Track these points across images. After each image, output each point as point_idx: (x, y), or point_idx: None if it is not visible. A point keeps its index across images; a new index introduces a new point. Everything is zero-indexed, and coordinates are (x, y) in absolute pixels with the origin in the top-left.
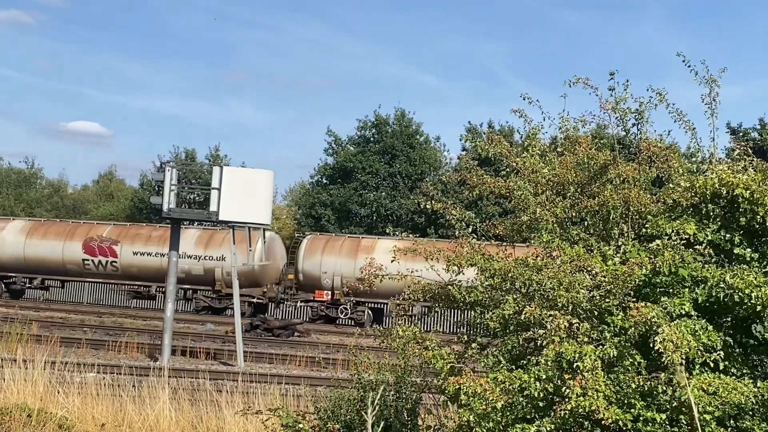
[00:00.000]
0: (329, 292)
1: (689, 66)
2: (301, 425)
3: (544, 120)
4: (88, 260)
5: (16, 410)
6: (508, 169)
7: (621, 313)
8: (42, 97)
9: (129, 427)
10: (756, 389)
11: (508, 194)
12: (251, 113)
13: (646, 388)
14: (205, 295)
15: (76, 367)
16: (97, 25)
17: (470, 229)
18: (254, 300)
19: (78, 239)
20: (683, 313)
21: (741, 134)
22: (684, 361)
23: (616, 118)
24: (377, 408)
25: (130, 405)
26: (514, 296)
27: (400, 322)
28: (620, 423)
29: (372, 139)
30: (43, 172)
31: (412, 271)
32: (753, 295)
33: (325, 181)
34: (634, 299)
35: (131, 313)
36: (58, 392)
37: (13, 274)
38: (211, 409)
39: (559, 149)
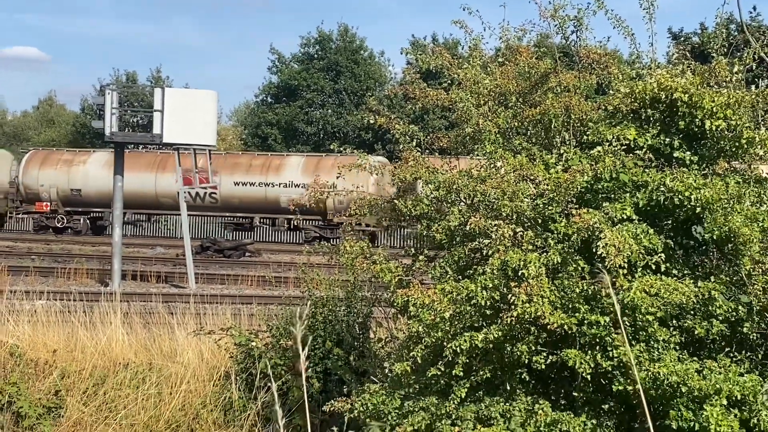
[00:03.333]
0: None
1: None
2: (253, 343)
3: (485, 30)
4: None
5: None
6: (450, 82)
7: (564, 220)
8: None
9: (81, 351)
10: (696, 289)
11: (451, 106)
12: (192, 33)
13: (590, 293)
14: (315, 225)
15: (25, 295)
16: None
17: (415, 143)
18: None
19: (171, 171)
20: (625, 217)
21: (682, 39)
22: (626, 264)
23: (556, 26)
24: (330, 324)
25: (82, 330)
26: (459, 208)
27: (347, 237)
28: (565, 327)
29: (316, 56)
30: None
31: None
32: (692, 197)
33: (270, 100)
34: (577, 206)
35: (79, 240)
36: (8, 321)
37: (99, 210)
38: (163, 331)
39: (500, 59)
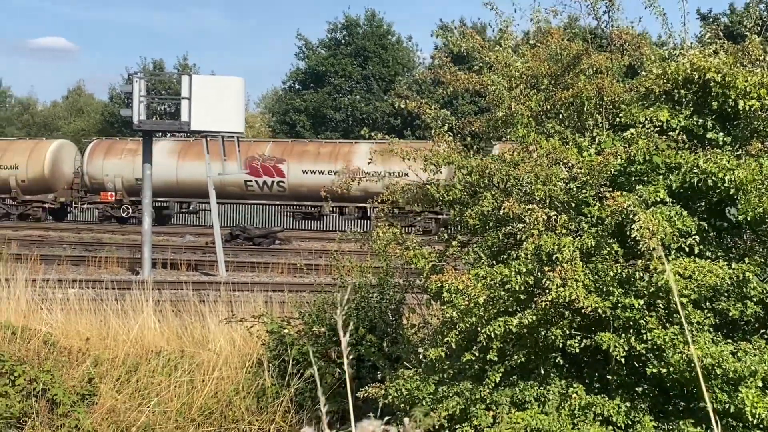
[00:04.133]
0: (113, 194)
1: None
2: (286, 330)
3: (515, 12)
4: (251, 181)
5: (0, 328)
6: (481, 64)
7: (597, 204)
8: (4, 14)
9: (114, 339)
10: (731, 270)
11: (482, 90)
12: (219, 20)
13: (624, 276)
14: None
15: (57, 283)
16: None
17: (446, 127)
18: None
19: (236, 159)
20: (658, 200)
21: (711, 20)
22: (660, 247)
23: (587, 6)
24: (362, 311)
25: (114, 318)
26: (492, 192)
27: (379, 223)
28: (599, 311)
29: (343, 41)
30: (12, 90)
31: None
32: (726, 178)
33: (297, 86)
34: (610, 189)
35: (110, 229)
36: (41, 309)
37: (163, 199)
38: (195, 318)
39: (531, 42)
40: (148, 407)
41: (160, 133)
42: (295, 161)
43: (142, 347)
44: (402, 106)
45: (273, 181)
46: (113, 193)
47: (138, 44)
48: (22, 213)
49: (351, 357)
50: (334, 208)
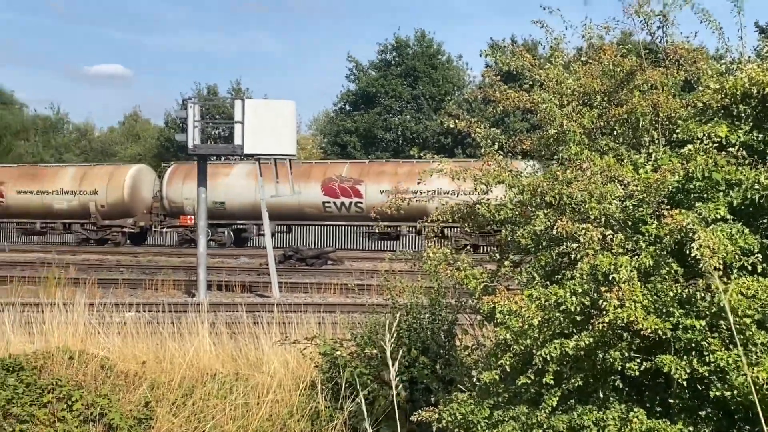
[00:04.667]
0: (192, 217)
1: None
2: (338, 352)
3: (566, 29)
4: (329, 202)
5: (58, 353)
6: (531, 83)
7: (655, 222)
8: (63, 42)
9: (170, 362)
10: None
11: (533, 108)
12: (270, 44)
13: (684, 296)
14: (464, 233)
15: (115, 307)
16: None
17: (496, 146)
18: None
19: (315, 180)
20: (719, 217)
21: None
22: (721, 266)
23: (641, 22)
24: (414, 332)
25: (170, 341)
26: (545, 211)
27: (430, 244)
28: (659, 332)
29: (393, 62)
30: (69, 116)
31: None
32: None
33: (348, 107)
34: (668, 207)
35: (166, 251)
36: (99, 333)
37: (242, 222)
38: (249, 340)
39: (583, 58)
40: (203, 430)
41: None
42: (372, 182)
43: (198, 370)
44: (452, 125)
45: (351, 202)
46: (192, 217)
47: (192, 69)
48: (102, 238)
49: (405, 379)
50: (411, 228)
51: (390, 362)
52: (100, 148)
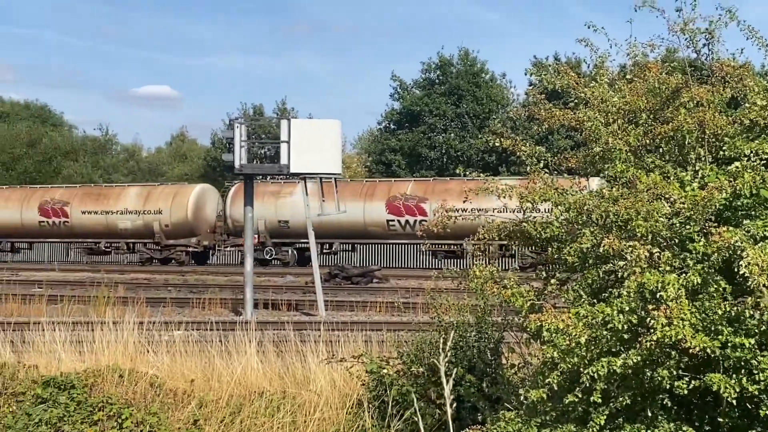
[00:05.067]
0: (255, 236)
1: None
2: (385, 370)
3: (611, 47)
4: (393, 221)
5: (108, 371)
6: (576, 101)
7: (703, 240)
8: (112, 64)
9: (218, 380)
10: None
11: (578, 126)
12: (315, 64)
13: (733, 314)
14: (533, 251)
15: (163, 326)
16: None
17: (542, 164)
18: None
19: (379, 199)
20: (767, 235)
21: None
22: None
23: (686, 39)
24: (461, 350)
25: (218, 359)
26: (591, 229)
27: (476, 262)
28: (708, 350)
29: (437, 81)
30: (118, 137)
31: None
32: None
33: (392, 126)
34: (716, 224)
35: (212, 270)
36: (148, 351)
37: (306, 240)
38: (296, 358)
39: (628, 76)
40: None
41: (262, 177)
42: (437, 199)
43: (246, 388)
44: (497, 143)
45: (415, 220)
46: (256, 236)
47: (238, 89)
48: (166, 257)
49: (450, 397)
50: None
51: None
52: (147, 168)
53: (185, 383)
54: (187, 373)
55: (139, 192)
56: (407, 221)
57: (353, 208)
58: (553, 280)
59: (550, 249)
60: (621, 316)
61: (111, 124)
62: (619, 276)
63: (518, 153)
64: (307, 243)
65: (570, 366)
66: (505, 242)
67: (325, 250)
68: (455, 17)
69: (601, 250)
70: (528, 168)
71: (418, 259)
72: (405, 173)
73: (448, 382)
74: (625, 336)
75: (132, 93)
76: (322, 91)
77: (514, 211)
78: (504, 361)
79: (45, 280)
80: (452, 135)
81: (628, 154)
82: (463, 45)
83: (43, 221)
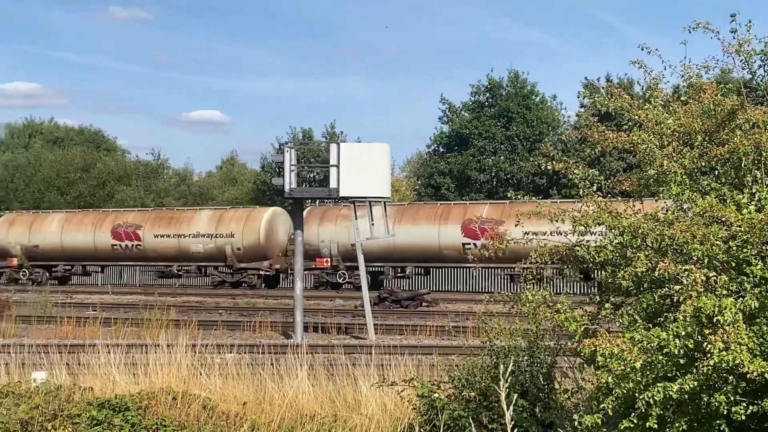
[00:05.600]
0: (328, 260)
1: None
2: (436, 395)
3: (665, 69)
4: (468, 244)
5: (161, 394)
6: (630, 123)
7: (760, 263)
8: (164, 89)
9: (270, 404)
10: None
11: (632, 149)
12: (363, 88)
13: None
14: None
15: (216, 349)
16: (211, 14)
17: (595, 187)
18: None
19: (454, 222)
20: None
21: None
22: None
23: (741, 60)
24: (513, 375)
25: (270, 382)
26: (646, 252)
27: (528, 286)
28: (766, 375)
29: (487, 103)
30: (169, 161)
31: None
32: None
33: (441, 149)
34: None
35: (262, 294)
36: (200, 374)
37: (380, 264)
38: (347, 382)
39: (682, 98)
40: None
41: (310, 201)
42: (515, 222)
43: (297, 411)
44: (549, 166)
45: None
46: (329, 259)
47: (287, 113)
48: (238, 281)
49: (503, 422)
50: (554, 270)
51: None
52: (198, 192)
53: (237, 406)
54: (239, 395)
55: (211, 215)
56: (483, 244)
57: (428, 231)
58: (607, 305)
59: (603, 273)
60: (677, 340)
61: (163, 148)
62: (675, 300)
63: (571, 176)
64: (381, 266)
65: (625, 391)
66: (558, 266)
67: (398, 274)
68: (503, 39)
69: (656, 274)
70: (580, 191)
71: (493, 283)
72: (454, 196)
73: (508, 408)
74: (682, 361)
75: (183, 117)
76: (370, 115)
77: (595, 234)
78: (557, 386)
79: (98, 302)
80: (502, 158)
81: (684, 176)
82: (512, 67)
83: (116, 244)
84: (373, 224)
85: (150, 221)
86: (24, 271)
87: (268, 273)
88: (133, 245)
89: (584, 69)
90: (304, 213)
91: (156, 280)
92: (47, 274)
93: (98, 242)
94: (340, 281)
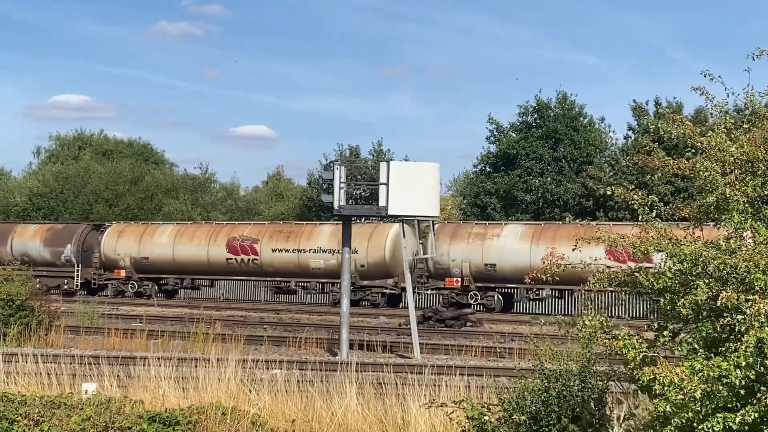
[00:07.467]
0: (459, 279)
1: None
2: (486, 417)
3: (727, 96)
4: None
5: (211, 409)
6: (692, 150)
7: None
8: (212, 104)
9: (318, 422)
10: None
11: (692, 175)
12: (410, 106)
13: None
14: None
15: (264, 364)
16: (261, 33)
17: (654, 213)
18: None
19: (545, 242)
20: None
21: None
22: None
23: None
24: (564, 399)
25: (318, 401)
26: (707, 281)
27: (585, 311)
28: None
29: (534, 124)
30: (216, 176)
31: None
32: None
33: (488, 169)
34: None
35: (307, 309)
36: (249, 390)
37: (513, 285)
38: (395, 402)
39: (746, 125)
40: None
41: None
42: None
43: (346, 430)
44: (608, 192)
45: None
46: (459, 279)
47: (333, 130)
48: (360, 298)
49: None
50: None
51: None
52: (245, 207)
53: (286, 423)
54: (288, 412)
55: (333, 230)
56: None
57: (521, 250)
58: (665, 332)
59: (662, 300)
60: (738, 371)
61: (210, 162)
62: (736, 330)
63: (630, 201)
64: (515, 287)
65: (683, 421)
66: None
67: (534, 296)
68: (551, 60)
69: (718, 304)
70: (640, 217)
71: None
72: (500, 216)
73: None
74: (742, 392)
75: (231, 132)
76: (417, 134)
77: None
78: (608, 412)
79: (144, 314)
80: (549, 179)
81: (746, 205)
82: (561, 88)
83: (231, 258)
84: (421, 243)
85: (267, 235)
86: (132, 284)
87: (393, 291)
88: (249, 259)
89: (632, 92)
90: (435, 230)
91: (273, 296)
92: (156, 287)
93: (212, 255)
94: (472, 302)
